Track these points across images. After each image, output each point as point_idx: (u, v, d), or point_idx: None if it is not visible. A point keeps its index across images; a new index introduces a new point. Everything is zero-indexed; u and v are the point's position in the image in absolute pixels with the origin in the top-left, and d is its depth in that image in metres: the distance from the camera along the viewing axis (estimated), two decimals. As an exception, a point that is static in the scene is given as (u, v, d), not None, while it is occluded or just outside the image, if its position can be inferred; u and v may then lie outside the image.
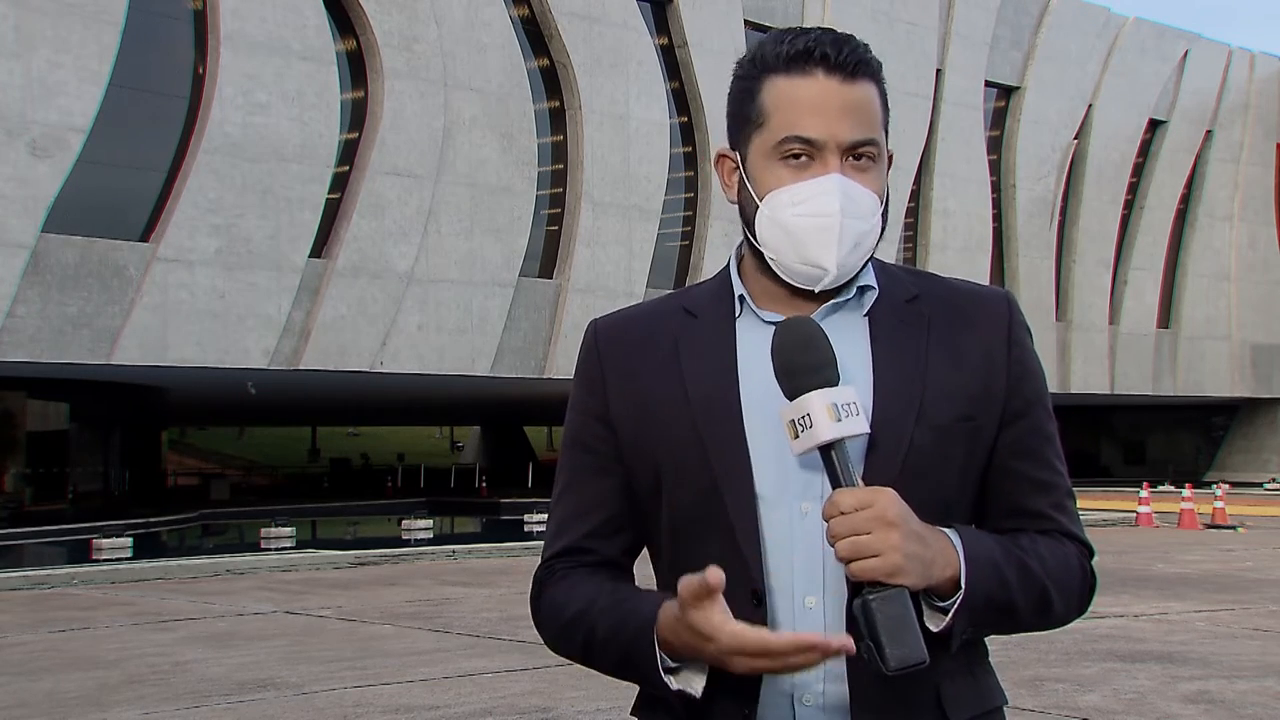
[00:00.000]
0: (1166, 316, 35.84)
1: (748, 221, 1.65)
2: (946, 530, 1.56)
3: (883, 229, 1.65)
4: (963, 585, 1.53)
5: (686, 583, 1.48)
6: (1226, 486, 26.57)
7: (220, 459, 54.69)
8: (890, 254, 28.35)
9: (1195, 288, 36.32)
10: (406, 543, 19.91)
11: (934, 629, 1.54)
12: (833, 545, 1.48)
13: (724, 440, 1.61)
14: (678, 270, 25.93)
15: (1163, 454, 42.05)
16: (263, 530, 20.57)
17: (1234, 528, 20.66)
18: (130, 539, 18.16)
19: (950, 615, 1.53)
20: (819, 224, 1.59)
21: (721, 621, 1.48)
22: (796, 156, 1.60)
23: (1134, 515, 22.05)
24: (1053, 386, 32.62)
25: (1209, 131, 36.26)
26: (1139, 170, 34.87)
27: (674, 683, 1.56)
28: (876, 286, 1.67)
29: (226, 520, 29.66)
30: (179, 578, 14.63)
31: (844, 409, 1.51)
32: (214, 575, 14.91)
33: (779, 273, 1.64)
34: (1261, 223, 38.19)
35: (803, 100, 1.60)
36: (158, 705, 7.37)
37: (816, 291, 1.64)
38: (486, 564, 16.04)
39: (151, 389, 24.81)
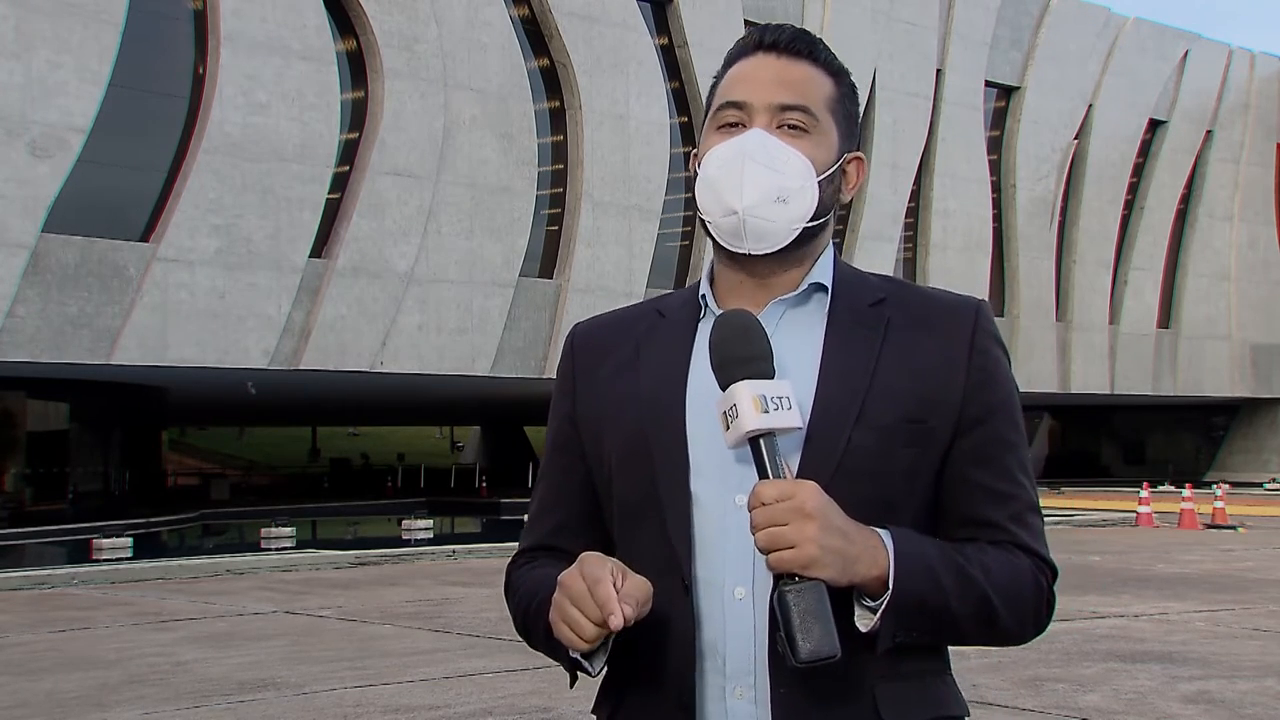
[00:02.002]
0: (1166, 316, 35.84)
1: (695, 197, 1.71)
2: (880, 530, 1.54)
3: (820, 198, 1.65)
4: (890, 584, 1.51)
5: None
6: (1226, 486, 26.57)
7: (220, 459, 54.68)
8: (890, 254, 28.37)
9: (1195, 288, 36.32)
10: (406, 543, 19.89)
11: (863, 629, 1.53)
12: (754, 536, 1.49)
13: (664, 433, 1.64)
14: (678, 270, 25.93)
15: (1163, 454, 42.05)
16: (263, 530, 20.55)
17: (1234, 528, 20.64)
18: (130, 539, 18.14)
19: (878, 615, 1.52)
20: (728, 169, 1.64)
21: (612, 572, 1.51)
22: (732, 125, 1.67)
23: (1134, 515, 22.03)
24: (1053, 386, 32.82)
25: (1209, 131, 36.26)
26: (1139, 170, 34.87)
27: (574, 651, 1.57)
28: (829, 285, 1.68)
29: (226, 520, 29.66)
30: (179, 578, 14.62)
31: (773, 401, 1.52)
32: (214, 575, 14.90)
33: (714, 235, 1.67)
34: (1261, 223, 38.19)
35: (739, 74, 1.69)
36: (158, 705, 7.37)
37: (751, 254, 1.64)
38: (486, 564, 16.03)
39: (151, 389, 24.82)
